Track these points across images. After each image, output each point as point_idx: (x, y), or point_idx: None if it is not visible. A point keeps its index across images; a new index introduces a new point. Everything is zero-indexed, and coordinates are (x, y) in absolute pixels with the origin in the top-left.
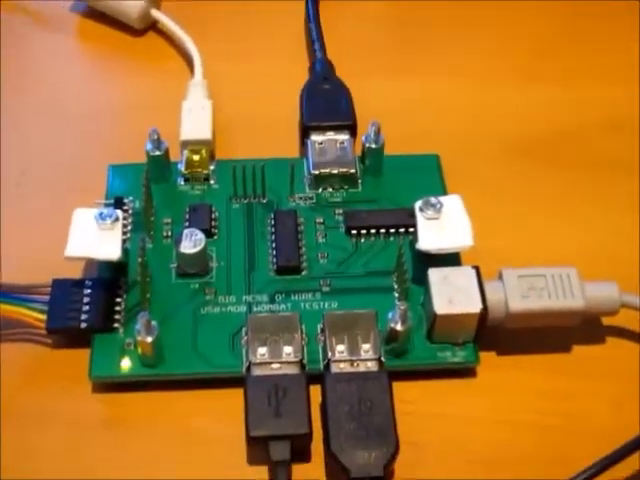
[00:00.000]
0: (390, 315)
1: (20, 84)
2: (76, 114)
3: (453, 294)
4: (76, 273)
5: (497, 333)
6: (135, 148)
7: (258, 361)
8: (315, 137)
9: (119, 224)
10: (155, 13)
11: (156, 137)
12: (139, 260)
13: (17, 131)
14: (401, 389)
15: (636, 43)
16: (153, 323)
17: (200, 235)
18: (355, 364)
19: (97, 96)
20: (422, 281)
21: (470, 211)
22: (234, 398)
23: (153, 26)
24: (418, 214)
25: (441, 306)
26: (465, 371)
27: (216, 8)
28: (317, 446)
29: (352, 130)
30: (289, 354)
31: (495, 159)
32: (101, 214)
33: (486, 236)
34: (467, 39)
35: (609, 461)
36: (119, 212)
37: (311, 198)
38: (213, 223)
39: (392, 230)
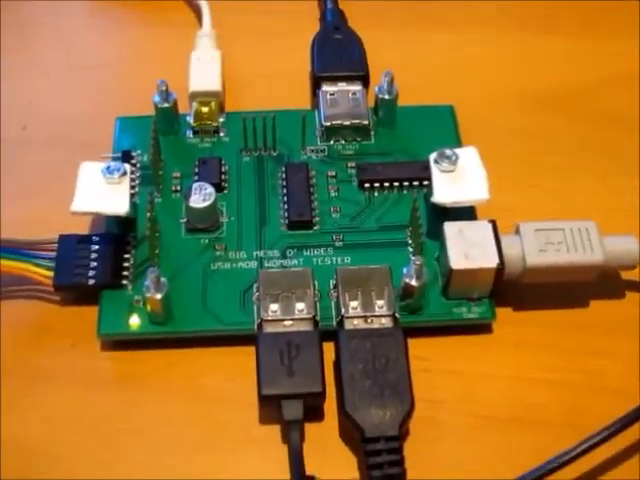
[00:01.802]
0: (405, 270)
1: (25, 36)
2: (82, 66)
3: (469, 249)
4: (83, 229)
5: (514, 288)
6: (143, 101)
7: (270, 318)
8: (326, 88)
9: (127, 178)
10: None
11: (164, 89)
12: (148, 215)
13: (21, 83)
14: (416, 346)
15: None
16: (162, 279)
17: (210, 189)
18: (369, 320)
19: (104, 48)
20: (437, 235)
21: (486, 164)
22: (245, 356)
23: None
24: (433, 166)
25: (457, 261)
26: (481, 327)
27: None
28: (330, 405)
29: (364, 80)
30: (301, 310)
31: (511, 111)
32: (108, 168)
33: (502, 190)
34: None
35: (626, 421)
36: (127, 166)
37: (323, 151)
38: (223, 177)
39: (406, 183)
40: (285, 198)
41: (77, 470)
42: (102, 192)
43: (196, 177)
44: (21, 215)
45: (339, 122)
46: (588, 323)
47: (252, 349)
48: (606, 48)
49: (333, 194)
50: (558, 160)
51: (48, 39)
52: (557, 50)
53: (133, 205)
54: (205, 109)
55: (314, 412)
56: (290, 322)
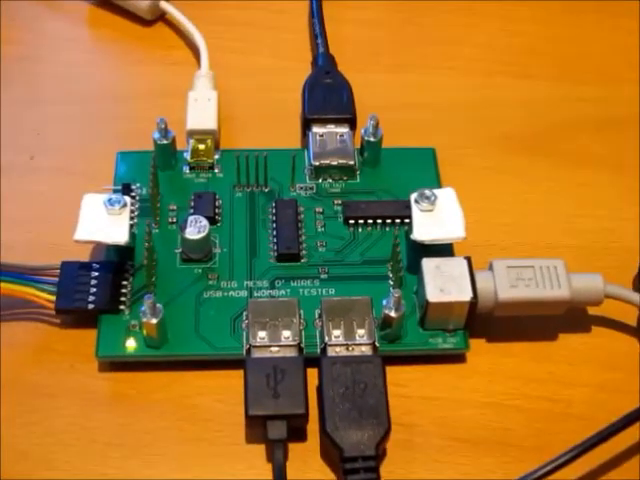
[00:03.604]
0: (385, 302)
1: (31, 70)
2: (85, 101)
3: (445, 283)
4: (84, 256)
5: (487, 321)
6: (142, 135)
7: (258, 344)
8: (316, 129)
9: (127, 210)
10: (164, 5)
11: (163, 126)
12: (146, 244)
13: (27, 117)
14: (395, 373)
15: (628, 42)
16: (158, 305)
17: (204, 222)
18: (350, 348)
19: (106, 84)
20: (416, 270)
21: (462, 201)
22: (234, 379)
23: (162, 17)
24: (413, 205)
25: (433, 294)
26: (456, 357)
27: (224, 2)
28: (313, 426)
29: (352, 123)
30: (287, 338)
31: (488, 151)
32: (110, 200)
33: (477, 226)
34: (464, 37)
35: (590, 444)
36: (127, 198)
37: (311, 188)
38: (217, 210)
39: (388, 220)
40: (274, 232)
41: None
42: (103, 222)
43: (191, 210)
44: (25, 241)
45: (327, 162)
46: (556, 354)
47: (241, 373)
48: (580, 92)
49: (320, 229)
50: (531, 200)
51: (52, 73)
52: (533, 94)
53: (132, 235)
54: (201, 146)
55: (297, 433)
56: (277, 348)
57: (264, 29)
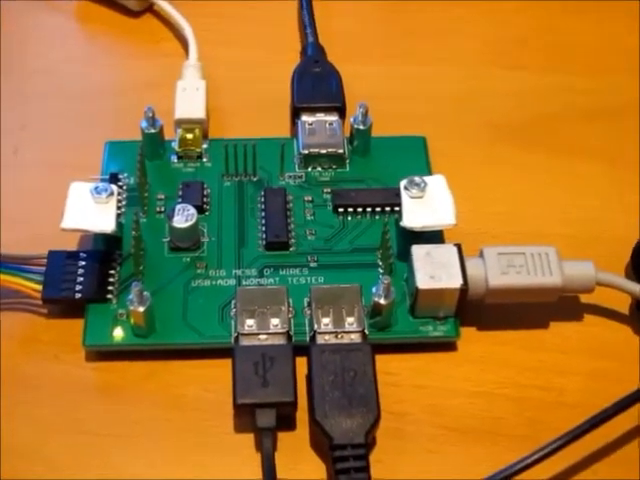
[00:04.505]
0: (374, 289)
1: (19, 62)
2: (74, 92)
3: (435, 270)
4: (72, 246)
5: (478, 309)
6: (131, 126)
7: (246, 332)
8: (305, 118)
9: (114, 198)
10: None
11: (151, 115)
12: (133, 233)
13: (16, 108)
14: (385, 361)
15: (618, 32)
16: (145, 293)
17: (192, 210)
18: (340, 336)
19: (95, 75)
20: (406, 257)
21: (454, 191)
22: (223, 368)
23: (150, 8)
24: (403, 193)
25: (423, 281)
26: (446, 345)
27: None
28: (302, 415)
29: (341, 111)
30: (276, 325)
31: (479, 142)
32: (97, 188)
33: (469, 215)
34: (455, 28)
35: (580, 431)
36: (114, 187)
37: (300, 177)
38: (205, 199)
39: (378, 209)
40: (263, 220)
41: (63, 472)
42: (90, 211)
43: (179, 199)
44: (13, 232)
45: (316, 150)
46: (548, 343)
47: (229, 361)
48: (570, 83)
49: (309, 217)
50: (523, 189)
51: (41, 67)
52: (522, 84)
53: (119, 224)
54: (189, 136)
55: (287, 421)
56: (265, 336)
57: (253, 20)
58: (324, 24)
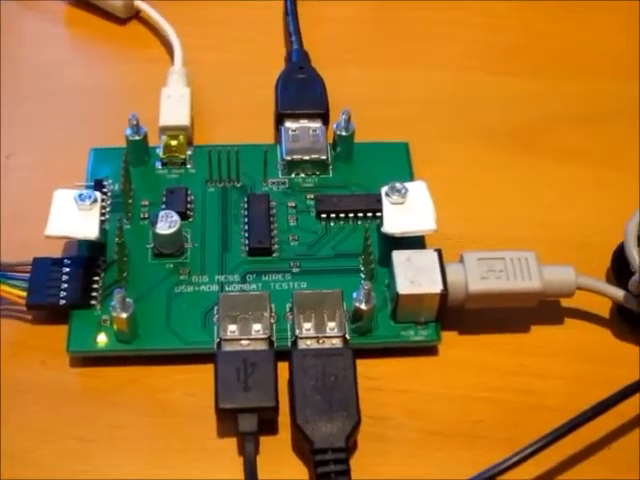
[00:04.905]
0: (355, 295)
1: (5, 68)
2: (59, 98)
3: (415, 275)
4: (56, 252)
5: (459, 313)
6: (117, 132)
7: (228, 337)
8: (289, 124)
9: (98, 205)
10: (139, 3)
11: (135, 122)
12: (117, 240)
13: (2, 115)
14: (366, 366)
15: (607, 37)
16: (128, 300)
17: (175, 217)
18: (321, 341)
19: (81, 81)
20: (388, 263)
21: (436, 195)
22: (205, 373)
23: (136, 15)
24: (384, 199)
25: (404, 286)
26: (427, 349)
27: (197, 1)
28: (284, 419)
29: (324, 118)
30: (258, 331)
31: (461, 147)
32: (80, 195)
33: (450, 220)
34: (439, 33)
35: (558, 434)
36: (97, 194)
37: (284, 183)
38: (189, 206)
39: (360, 214)
40: (246, 226)
41: (48, 475)
42: (74, 218)
43: (163, 206)
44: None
45: (300, 157)
46: (528, 346)
47: (212, 366)
48: (555, 88)
49: (292, 223)
50: (505, 193)
51: (27, 72)
52: (507, 89)
53: (103, 231)
54: (174, 142)
55: (269, 426)
56: (247, 342)
57: (238, 27)
58: (309, 28)
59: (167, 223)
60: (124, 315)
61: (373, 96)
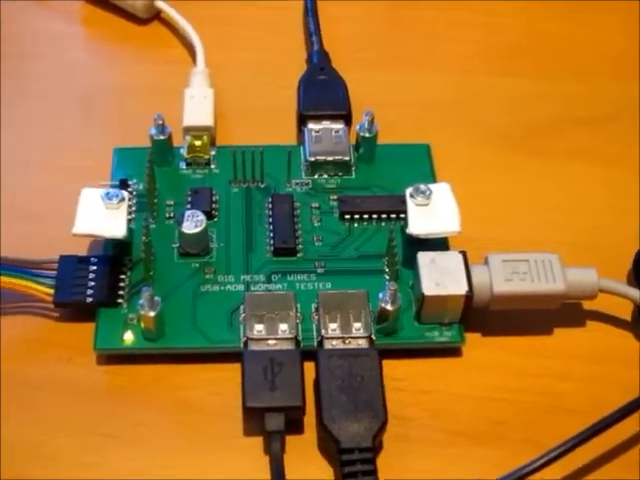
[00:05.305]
0: (381, 295)
1: (27, 67)
2: (81, 98)
3: (440, 277)
4: (82, 250)
5: (482, 315)
6: (139, 132)
7: (255, 337)
8: (311, 125)
9: (125, 204)
10: (159, 3)
11: (160, 122)
12: (144, 239)
13: (24, 113)
14: (391, 367)
15: (609, 38)
16: (156, 298)
17: (201, 216)
18: (347, 341)
19: (102, 81)
20: (411, 264)
21: (458, 197)
22: (231, 372)
23: (157, 15)
24: (408, 200)
25: (429, 288)
26: (451, 350)
27: (218, 1)
28: (310, 419)
29: (347, 119)
30: (284, 331)
31: (482, 148)
32: (108, 194)
33: (474, 222)
34: (455, 35)
35: (583, 437)
36: (125, 193)
37: (307, 184)
38: (213, 206)
39: (384, 215)
40: (271, 227)
41: (71, 472)
42: (101, 216)
43: (188, 205)
44: (24, 235)
45: (323, 158)
46: (551, 348)
47: (237, 366)
48: (565, 89)
49: (316, 224)
50: (527, 194)
51: (48, 71)
52: (520, 91)
53: (129, 230)
54: (198, 142)
55: (295, 425)
56: (274, 341)
57: (259, 27)
58: (329, 28)
59: (193, 222)
60: (152, 313)
61: (390, 97)
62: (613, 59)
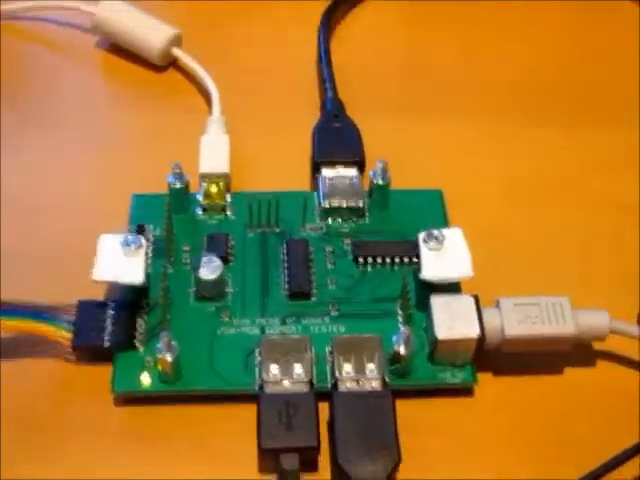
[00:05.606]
0: (394, 339)
1: (45, 115)
2: (98, 144)
3: (453, 320)
4: (99, 293)
5: (494, 355)
6: (154, 178)
7: (270, 380)
8: (325, 172)
9: (143, 250)
10: (176, 51)
11: (178, 171)
12: (162, 285)
13: (42, 157)
14: (405, 407)
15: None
16: (174, 342)
17: (218, 262)
18: (361, 383)
19: (120, 128)
20: (424, 307)
21: (471, 242)
22: (246, 412)
23: (174, 63)
24: (421, 245)
25: (442, 331)
26: (463, 390)
27: (234, 49)
28: (324, 457)
29: (360, 166)
30: (299, 374)
31: (497, 195)
32: (126, 240)
33: (485, 265)
34: (473, 83)
35: (592, 477)
36: (142, 239)
37: (321, 228)
38: (229, 251)
39: (397, 259)
40: (286, 271)
41: None
42: (120, 262)
43: (205, 251)
44: (43, 278)
45: (337, 204)
46: (562, 389)
47: (252, 406)
48: (588, 139)
49: (330, 267)
50: (537, 240)
51: (66, 118)
52: (540, 141)
53: (147, 275)
54: (214, 189)
55: (309, 464)
56: (289, 384)
57: (274, 74)
58: (343, 75)
59: (210, 269)
60: (169, 358)
61: (403, 143)
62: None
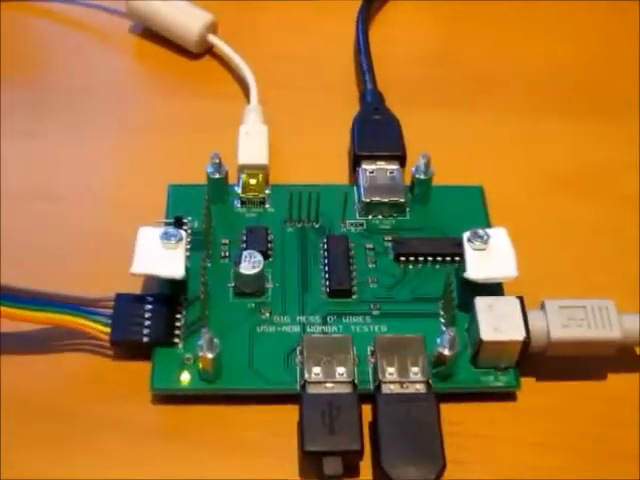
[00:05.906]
0: (439, 340)
1: (79, 102)
2: (133, 133)
3: (498, 322)
4: (136, 287)
5: (538, 359)
6: (189, 167)
7: (313, 380)
8: (366, 166)
9: (183, 244)
10: (212, 38)
11: (217, 161)
12: (201, 279)
13: (76, 148)
14: (447, 410)
15: None
16: (215, 340)
17: (259, 257)
18: (405, 385)
19: (154, 116)
20: (466, 307)
21: (513, 241)
22: (287, 413)
23: (209, 50)
24: (466, 244)
25: (487, 333)
26: (506, 395)
27: (271, 37)
28: (366, 461)
29: (401, 160)
30: (342, 374)
31: (537, 191)
32: (166, 233)
33: (529, 266)
34: (512, 75)
35: None
36: (182, 232)
37: (361, 224)
38: (269, 245)
39: (439, 258)
40: (326, 267)
41: None
42: (159, 256)
43: (244, 245)
44: (80, 272)
45: (377, 199)
46: (606, 394)
47: (293, 407)
48: (630, 131)
49: (371, 265)
50: (583, 237)
51: (101, 105)
52: (580, 132)
53: (186, 268)
54: (253, 181)
55: (351, 468)
56: (331, 384)
57: (311, 64)
58: (382, 66)
59: (251, 263)
60: (210, 355)
61: (444, 138)
62: None
